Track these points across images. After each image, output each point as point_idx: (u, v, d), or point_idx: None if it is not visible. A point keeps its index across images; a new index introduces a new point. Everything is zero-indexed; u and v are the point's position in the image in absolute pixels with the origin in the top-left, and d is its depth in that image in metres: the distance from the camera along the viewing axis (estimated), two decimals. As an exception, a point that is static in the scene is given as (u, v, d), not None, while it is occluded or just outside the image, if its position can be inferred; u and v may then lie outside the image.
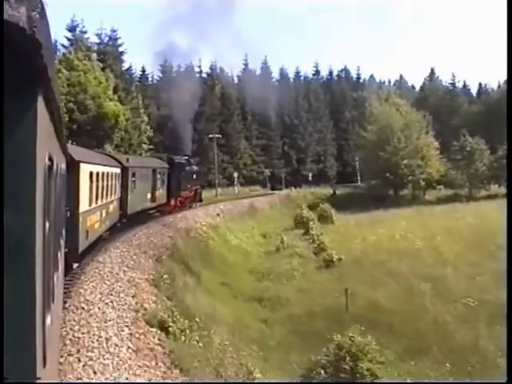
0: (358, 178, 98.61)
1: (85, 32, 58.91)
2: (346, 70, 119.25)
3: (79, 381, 10.89)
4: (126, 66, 71.70)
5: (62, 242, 9.95)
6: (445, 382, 20.04)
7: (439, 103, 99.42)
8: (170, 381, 12.46)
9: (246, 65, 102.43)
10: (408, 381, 19.88)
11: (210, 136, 77.21)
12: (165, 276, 21.94)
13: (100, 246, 23.76)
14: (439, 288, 27.42)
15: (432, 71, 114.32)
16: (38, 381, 3.07)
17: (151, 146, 61.30)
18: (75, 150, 17.76)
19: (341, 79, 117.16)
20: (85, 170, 17.68)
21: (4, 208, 2.81)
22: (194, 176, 49.46)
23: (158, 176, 37.24)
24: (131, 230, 29.60)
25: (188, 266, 28.05)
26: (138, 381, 11.72)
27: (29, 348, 2.99)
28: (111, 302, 16.44)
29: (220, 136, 78.55)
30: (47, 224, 4.06)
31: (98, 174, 19.97)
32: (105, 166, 22.43)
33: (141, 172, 32.15)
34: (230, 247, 39.92)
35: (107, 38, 63.78)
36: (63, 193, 9.55)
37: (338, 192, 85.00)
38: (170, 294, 20.58)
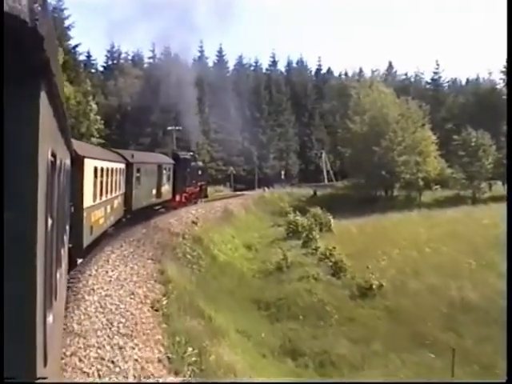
0: (325, 176, 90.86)
1: None
2: (301, 61, 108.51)
3: (80, 381, 10.86)
4: (72, 43, 59.86)
5: (66, 238, 9.92)
6: (445, 382, 19.85)
7: (422, 94, 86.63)
8: (170, 381, 12.40)
9: (201, 52, 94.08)
10: (408, 381, 19.71)
11: (169, 128, 70.14)
12: (178, 339, 14.45)
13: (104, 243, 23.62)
14: None
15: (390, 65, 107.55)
16: (39, 380, 3.03)
17: (101, 140, 53.91)
18: (80, 146, 17.75)
19: (302, 70, 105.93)
20: (89, 165, 17.66)
21: (5, 203, 2.77)
22: (200, 172, 49.70)
23: (164, 172, 37.38)
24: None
25: (194, 306, 20.08)
26: (139, 381, 11.68)
27: (29, 347, 2.95)
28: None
29: (180, 128, 68.84)
30: (50, 220, 4.02)
31: (102, 169, 19.98)
32: (109, 161, 22.46)
33: (146, 168, 32.22)
34: (221, 266, 32.39)
35: (51, 8, 52.74)
36: (67, 188, 9.52)
37: (318, 193, 73.17)
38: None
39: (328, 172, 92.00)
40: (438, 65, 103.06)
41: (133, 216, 29.93)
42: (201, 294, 23.21)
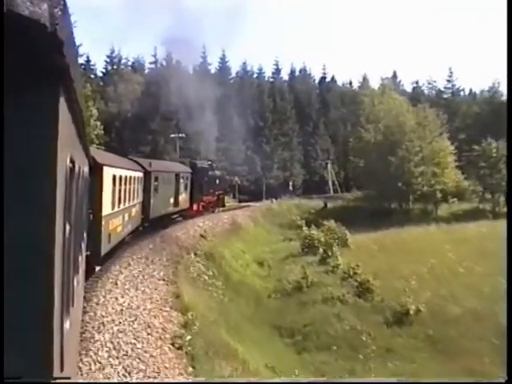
0: (330, 187, 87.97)
1: None
2: (304, 70, 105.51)
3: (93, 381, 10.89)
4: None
5: (84, 245, 9.96)
6: (445, 382, 19.40)
7: (434, 103, 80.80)
8: (169, 381, 12.36)
9: (204, 58, 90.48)
10: (408, 381, 19.36)
11: (172, 136, 68.46)
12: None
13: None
14: None
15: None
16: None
17: (101, 147, 51.12)
18: (98, 154, 17.90)
19: (305, 78, 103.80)
20: (108, 173, 17.76)
21: (24, 209, 2.77)
22: (217, 181, 49.74)
23: (181, 180, 37.49)
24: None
25: (219, 341, 18.22)
26: (140, 381, 11.68)
27: (46, 351, 2.94)
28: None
29: (183, 135, 67.53)
30: (68, 227, 4.02)
31: (120, 177, 20.09)
32: (128, 169, 22.58)
33: (163, 176, 32.33)
34: (235, 286, 30.05)
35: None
36: (85, 195, 9.56)
37: (329, 205, 69.47)
38: None
39: (333, 183, 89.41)
40: (451, 72, 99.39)
41: (150, 225, 30.03)
42: (222, 322, 21.57)
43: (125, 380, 11.65)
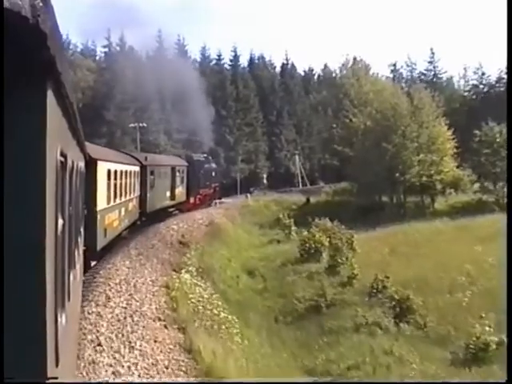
0: (299, 180, 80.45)
1: None
2: (263, 58, 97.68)
3: (91, 381, 10.88)
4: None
5: (81, 240, 9.93)
6: (445, 382, 19.15)
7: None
8: (170, 380, 12.36)
9: (159, 42, 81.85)
10: (408, 381, 19.24)
11: (132, 125, 61.85)
12: None
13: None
14: None
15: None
16: (50, 380, 3.02)
17: None
18: (93, 148, 17.83)
19: (266, 65, 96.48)
20: (102, 167, 17.74)
21: (13, 203, 2.73)
22: (213, 174, 49.88)
23: (177, 174, 37.51)
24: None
25: None
26: (140, 381, 11.68)
27: (39, 347, 2.91)
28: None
29: (144, 125, 61.54)
30: (60, 221, 3.99)
31: (116, 172, 20.07)
32: (123, 164, 22.55)
33: (160, 170, 32.36)
34: (240, 312, 24.37)
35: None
36: (81, 190, 9.53)
37: (311, 200, 60.97)
38: None
39: (302, 176, 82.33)
40: (432, 53, 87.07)
41: (147, 219, 30.02)
42: (251, 372, 17.06)
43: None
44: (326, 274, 29.48)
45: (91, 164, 15.73)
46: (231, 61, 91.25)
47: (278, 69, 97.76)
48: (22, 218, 2.77)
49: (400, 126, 53.99)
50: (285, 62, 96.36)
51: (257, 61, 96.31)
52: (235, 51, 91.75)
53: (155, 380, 12.12)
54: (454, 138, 56.72)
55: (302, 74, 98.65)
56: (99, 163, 17.19)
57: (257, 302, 27.46)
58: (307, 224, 37.23)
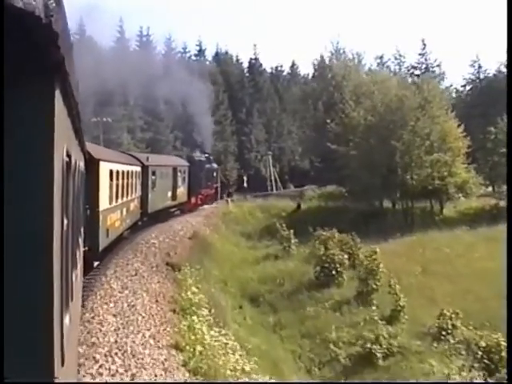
0: (272, 184, 74.06)
1: None
2: (227, 53, 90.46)
3: (95, 381, 10.87)
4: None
5: (81, 240, 9.94)
6: (444, 382, 19.03)
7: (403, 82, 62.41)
8: (170, 380, 12.35)
9: (121, 33, 73.53)
10: (408, 381, 19.00)
11: (94, 120, 54.06)
12: None
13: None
14: None
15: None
16: (56, 380, 3.02)
17: None
18: (94, 148, 17.85)
19: (232, 61, 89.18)
20: (104, 168, 17.75)
21: (21, 202, 2.75)
22: (214, 173, 49.94)
23: (179, 174, 37.58)
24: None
25: None
26: (141, 381, 11.67)
27: (47, 346, 2.93)
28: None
29: (109, 120, 56.43)
30: (65, 221, 4.01)
31: (117, 172, 20.09)
32: (125, 164, 22.57)
33: (161, 170, 32.42)
34: (264, 364, 17.68)
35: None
36: (81, 190, 9.55)
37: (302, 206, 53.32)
38: None
39: (275, 179, 75.68)
40: (424, 44, 77.73)
41: (149, 219, 30.05)
42: None
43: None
44: (355, 303, 23.93)
45: (93, 164, 15.74)
46: (196, 55, 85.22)
47: (246, 65, 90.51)
48: (30, 217, 2.78)
49: (409, 121, 47.46)
50: (253, 58, 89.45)
51: (223, 56, 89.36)
52: (200, 45, 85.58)
53: (155, 380, 12.09)
54: (465, 136, 50.00)
55: (269, 71, 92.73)
56: (101, 163, 17.19)
57: (278, 349, 20.90)
58: (304, 234, 32.91)
